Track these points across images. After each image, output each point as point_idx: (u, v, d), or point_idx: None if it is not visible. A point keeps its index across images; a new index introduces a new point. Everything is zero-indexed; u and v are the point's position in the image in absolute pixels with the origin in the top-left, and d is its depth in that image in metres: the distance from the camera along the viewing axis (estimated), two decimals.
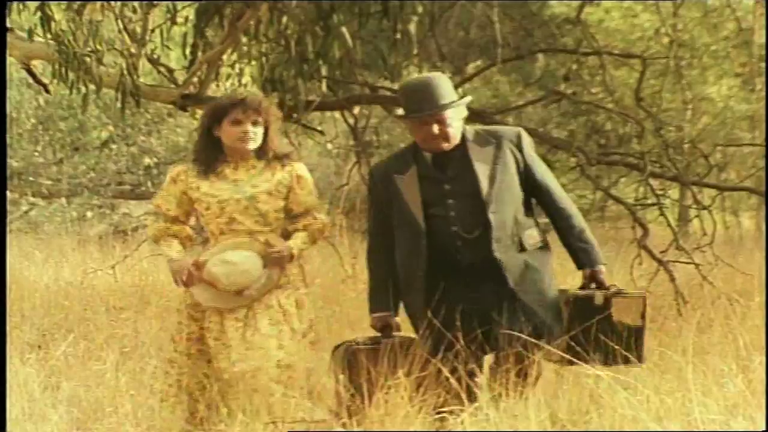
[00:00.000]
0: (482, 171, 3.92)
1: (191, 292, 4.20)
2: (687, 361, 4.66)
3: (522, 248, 3.95)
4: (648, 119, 8.33)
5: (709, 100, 11.02)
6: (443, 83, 3.96)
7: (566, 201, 4.05)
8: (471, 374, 3.86)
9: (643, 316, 3.94)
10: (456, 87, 9.23)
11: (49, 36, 6.81)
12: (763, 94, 9.29)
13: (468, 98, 4.02)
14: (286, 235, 4.28)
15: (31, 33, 7.00)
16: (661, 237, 8.67)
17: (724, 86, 11.13)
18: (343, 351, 4.05)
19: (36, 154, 13.06)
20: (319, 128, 8.91)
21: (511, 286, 3.90)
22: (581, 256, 4.00)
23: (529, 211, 4.04)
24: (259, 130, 4.19)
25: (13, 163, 12.44)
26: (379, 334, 4.10)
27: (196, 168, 4.23)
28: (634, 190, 9.12)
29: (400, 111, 4.04)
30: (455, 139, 3.96)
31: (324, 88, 7.67)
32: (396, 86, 8.63)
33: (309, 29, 6.97)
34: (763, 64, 9.15)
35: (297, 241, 4.24)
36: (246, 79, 7.92)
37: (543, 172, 4.05)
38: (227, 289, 4.14)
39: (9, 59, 7.45)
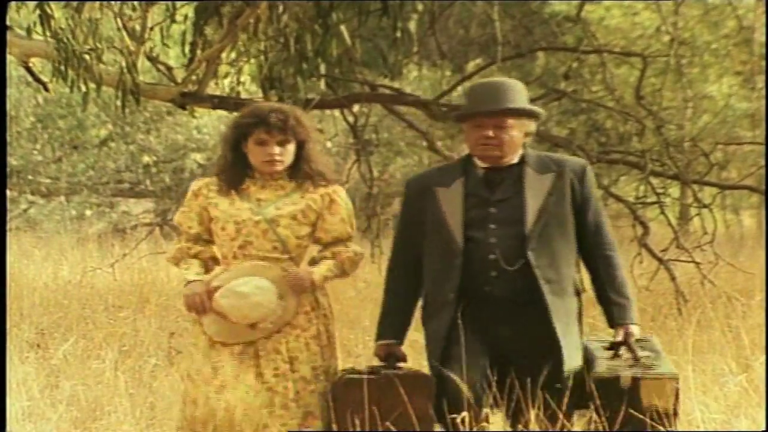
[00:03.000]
0: (533, 201, 3.54)
1: (201, 322, 3.74)
2: (687, 360, 4.64)
3: (577, 291, 3.62)
4: (648, 117, 8.32)
5: (710, 99, 11.01)
6: (516, 88, 3.61)
7: (614, 249, 3.66)
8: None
9: (675, 399, 3.49)
10: (456, 85, 9.30)
11: (48, 34, 6.79)
12: (764, 92, 9.27)
13: (539, 111, 3.66)
14: (313, 265, 3.82)
15: (30, 31, 6.98)
16: (661, 235, 8.66)
17: (725, 84, 11.13)
18: (332, 381, 3.68)
19: (35, 152, 13.05)
20: (318, 127, 8.87)
21: (559, 335, 3.50)
22: (616, 311, 3.61)
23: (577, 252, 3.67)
24: (289, 150, 3.73)
25: (12, 161, 12.42)
26: (381, 364, 3.72)
27: (219, 183, 3.79)
28: (634, 189, 9.09)
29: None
30: (511, 150, 3.59)
31: (323, 86, 7.66)
32: (396, 84, 8.62)
33: (308, 27, 6.95)
34: (764, 63, 9.13)
35: (322, 268, 3.76)
36: (245, 77, 7.91)
37: (596, 213, 3.65)
38: (239, 322, 3.68)
39: (8, 57, 7.42)
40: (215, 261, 3.82)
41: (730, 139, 10.53)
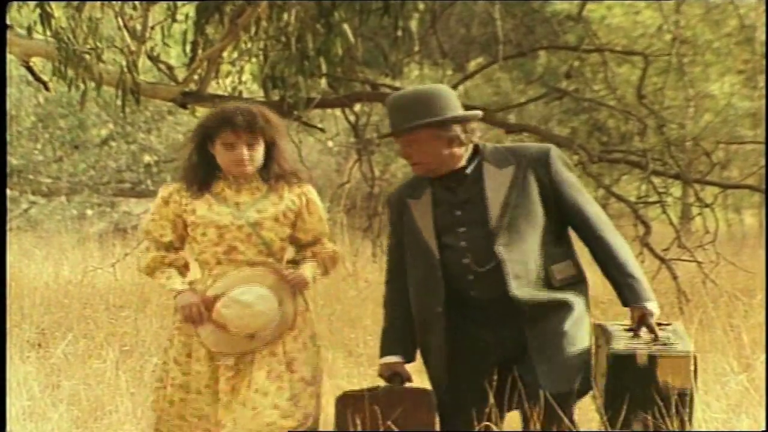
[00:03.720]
0: (494, 197, 3.41)
1: (198, 333, 3.62)
2: None
3: (549, 284, 3.42)
4: (650, 117, 8.32)
5: (712, 98, 10.99)
6: (434, 98, 3.41)
7: (605, 228, 3.46)
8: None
9: (693, 377, 3.36)
10: (457, 84, 9.29)
11: (48, 33, 6.80)
12: (765, 91, 9.27)
13: (461, 113, 3.44)
14: (293, 266, 3.76)
15: (30, 30, 6.98)
16: (663, 235, 8.65)
17: (727, 83, 11.11)
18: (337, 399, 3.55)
19: (36, 151, 13.04)
20: (319, 126, 8.89)
21: (529, 333, 3.39)
22: (626, 292, 3.41)
23: (560, 240, 3.49)
24: (258, 151, 3.62)
25: (12, 160, 12.42)
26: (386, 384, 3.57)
27: (189, 188, 3.65)
28: (636, 188, 9.10)
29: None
30: (442, 165, 3.44)
31: (325, 85, 7.65)
32: (397, 83, 8.61)
33: (310, 26, 6.95)
34: (765, 62, 9.12)
35: (308, 268, 3.69)
36: (246, 76, 7.90)
37: (575, 195, 3.46)
38: (239, 332, 3.58)
39: (8, 56, 7.42)
40: (187, 269, 3.71)
41: (731, 138, 10.51)
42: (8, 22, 6.98)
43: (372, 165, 9.28)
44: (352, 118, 8.69)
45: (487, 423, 3.40)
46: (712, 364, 4.97)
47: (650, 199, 8.24)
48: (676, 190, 10.27)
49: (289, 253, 3.78)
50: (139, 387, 5.05)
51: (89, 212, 13.32)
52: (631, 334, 3.44)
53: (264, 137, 3.62)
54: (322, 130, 9.21)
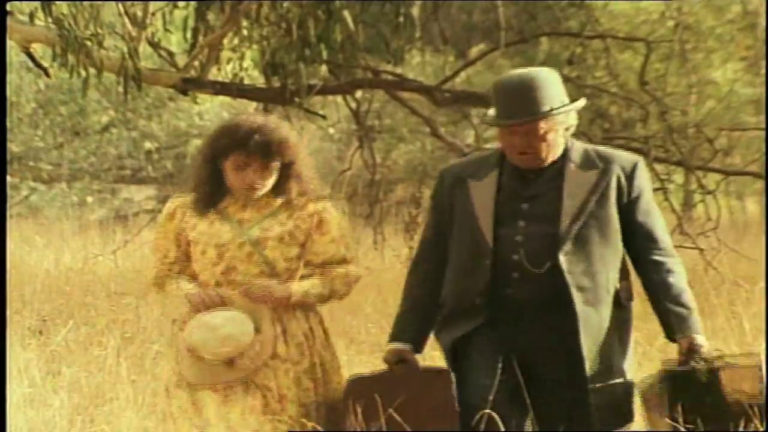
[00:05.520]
0: (571, 199, 3.15)
1: (180, 367, 3.32)
2: None
3: (618, 303, 3.19)
4: (652, 103, 8.30)
5: (714, 84, 10.95)
6: (544, 82, 3.17)
7: (669, 254, 3.23)
8: None
9: (763, 387, 3.10)
10: (458, 71, 9.27)
11: (49, 19, 6.77)
12: (765, 78, 9.24)
13: (580, 102, 3.22)
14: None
15: (32, 16, 6.96)
16: (665, 221, 8.63)
17: (729, 70, 11.08)
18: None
19: (36, 138, 13.04)
20: (320, 113, 8.86)
21: (584, 350, 3.12)
22: (675, 322, 3.16)
23: (622, 256, 3.26)
24: (271, 175, 3.32)
25: (13, 147, 12.41)
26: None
27: (196, 203, 3.38)
28: None
29: (491, 111, 3.25)
30: (551, 154, 3.18)
31: (326, 72, 7.64)
32: (399, 70, 8.59)
33: (311, 13, 6.93)
34: (765, 48, 9.09)
35: (304, 284, 3.34)
36: (247, 63, 7.88)
37: (647, 213, 3.23)
38: (212, 360, 3.25)
39: (9, 43, 7.40)
40: (197, 279, 3.40)
41: (734, 125, 10.47)
42: (10, 8, 6.96)
43: (373, 152, 9.26)
44: (353, 104, 8.68)
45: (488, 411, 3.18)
46: (714, 351, 4.96)
47: (652, 186, 8.23)
48: (679, 176, 10.26)
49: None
50: (140, 374, 5.05)
51: (90, 199, 13.33)
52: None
53: (279, 160, 3.32)
54: (323, 117, 9.19)
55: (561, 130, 3.19)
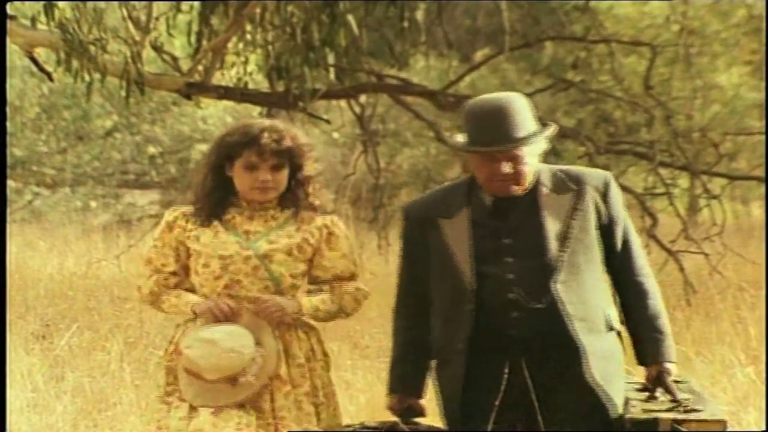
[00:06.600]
0: (553, 227, 3.03)
1: (180, 384, 3.14)
2: (696, 351, 4.62)
3: (610, 328, 3.09)
4: (657, 108, 8.29)
5: (719, 88, 10.95)
6: (521, 108, 3.04)
7: (646, 274, 3.14)
8: None
9: None
10: (463, 75, 9.26)
11: (53, 24, 6.77)
12: (764, 83, 9.23)
13: (552, 128, 3.09)
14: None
15: (34, 21, 6.96)
16: (670, 226, 8.62)
17: (734, 74, 11.08)
18: None
19: (40, 143, 13.04)
20: (325, 117, 8.85)
21: (599, 381, 3.00)
22: (649, 348, 3.08)
23: (604, 279, 3.16)
24: (283, 176, 3.19)
25: (16, 151, 12.43)
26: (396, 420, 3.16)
27: (199, 213, 3.23)
28: (643, 180, 9.06)
29: (459, 138, 3.08)
30: (529, 179, 3.05)
31: (330, 76, 7.63)
32: (403, 74, 8.59)
33: (315, 17, 6.92)
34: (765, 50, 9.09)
35: (314, 300, 3.23)
36: (251, 67, 7.87)
37: (625, 232, 3.13)
38: (213, 378, 3.07)
39: (12, 47, 7.40)
40: (194, 292, 3.25)
41: (739, 130, 10.47)
42: (13, 12, 6.96)
43: (377, 156, 9.25)
44: (357, 109, 8.67)
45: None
46: (719, 356, 4.96)
47: (657, 191, 8.23)
48: (684, 181, 10.23)
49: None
50: (144, 379, 5.04)
51: (93, 204, 13.33)
52: (645, 395, 3.13)
53: (290, 161, 3.20)
54: (327, 121, 9.18)
55: (537, 152, 3.07)
